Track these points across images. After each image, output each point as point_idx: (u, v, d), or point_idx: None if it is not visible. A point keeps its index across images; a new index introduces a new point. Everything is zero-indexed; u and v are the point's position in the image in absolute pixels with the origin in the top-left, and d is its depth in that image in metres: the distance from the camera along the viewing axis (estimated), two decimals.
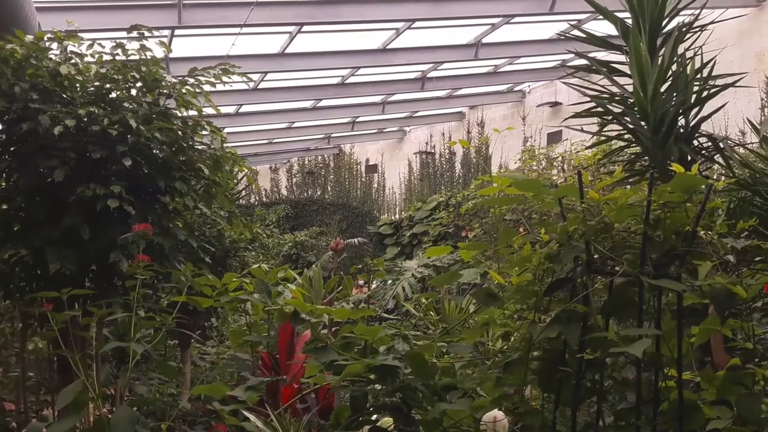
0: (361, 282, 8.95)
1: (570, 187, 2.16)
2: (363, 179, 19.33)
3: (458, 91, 15.83)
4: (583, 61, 4.29)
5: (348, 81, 13.51)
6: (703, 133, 3.95)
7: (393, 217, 17.32)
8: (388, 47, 11.44)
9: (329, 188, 19.27)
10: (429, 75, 13.90)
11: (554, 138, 14.10)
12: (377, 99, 15.64)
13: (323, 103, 15.26)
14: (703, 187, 2.11)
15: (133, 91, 3.85)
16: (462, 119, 17.76)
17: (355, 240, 13.84)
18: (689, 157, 3.82)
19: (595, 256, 2.13)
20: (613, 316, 2.20)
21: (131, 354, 2.77)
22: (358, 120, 17.53)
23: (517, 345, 2.34)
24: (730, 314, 2.14)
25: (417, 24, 10.51)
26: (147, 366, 4.78)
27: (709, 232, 2.06)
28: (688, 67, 3.87)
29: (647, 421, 2.12)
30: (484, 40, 11.86)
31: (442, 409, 2.36)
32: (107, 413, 3.55)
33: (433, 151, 17.90)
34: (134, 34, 3.80)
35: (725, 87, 3.88)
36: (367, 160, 19.83)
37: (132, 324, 2.89)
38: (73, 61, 3.73)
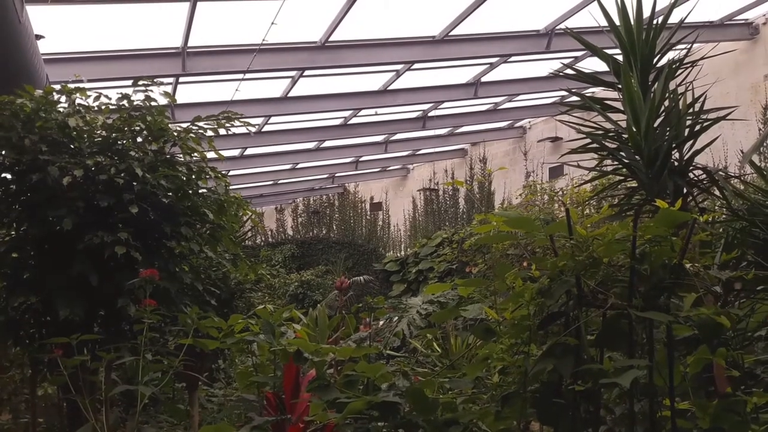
0: (368, 320, 8.95)
1: (560, 223, 2.24)
2: (368, 217, 19.44)
3: (459, 128, 16.04)
4: (579, 98, 4.38)
5: (350, 122, 13.73)
6: (698, 165, 4.01)
7: (398, 254, 17.34)
8: (389, 88, 11.67)
9: (334, 227, 19.37)
10: (430, 114, 14.11)
11: (556, 172, 14.22)
12: (380, 138, 15.85)
13: (327, 143, 15.48)
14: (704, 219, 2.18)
15: (139, 139, 3.97)
16: (464, 156, 17.95)
17: (361, 278, 13.88)
18: (685, 190, 3.88)
19: (587, 290, 2.19)
20: (606, 347, 2.25)
21: (139, 397, 2.82)
22: (361, 159, 17.74)
23: (512, 379, 2.39)
24: (721, 343, 2.19)
25: (416, 65, 10.73)
26: (155, 409, 4.80)
27: (696, 264, 2.13)
28: (681, 102, 3.94)
29: None
30: (483, 79, 12.08)
31: None
32: None
33: (436, 187, 18.04)
34: (139, 85, 3.94)
35: (717, 120, 3.95)
36: (372, 198, 19.97)
37: (140, 367, 2.95)
38: (80, 113, 3.86)
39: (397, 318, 8.40)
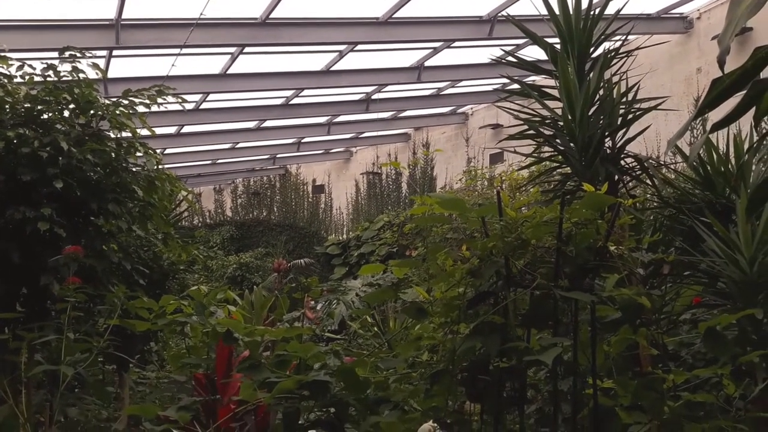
0: (312, 303, 8.86)
1: (491, 206, 2.26)
2: (310, 200, 19.32)
3: (403, 112, 16.07)
4: (519, 86, 4.42)
5: (292, 102, 13.56)
6: (630, 153, 4.11)
7: (340, 237, 17.34)
8: (332, 69, 11.56)
9: (275, 209, 19.17)
10: (373, 97, 14.07)
11: (496, 159, 14.43)
12: (322, 120, 15.72)
13: (267, 123, 15.26)
14: (641, 204, 2.24)
15: (66, 113, 3.81)
16: (408, 140, 18.01)
17: (302, 261, 13.80)
18: (616, 177, 3.98)
19: (516, 271, 2.23)
20: (532, 327, 2.30)
21: (61, 377, 2.73)
22: (303, 141, 17.57)
23: (440, 357, 2.42)
24: (643, 323, 2.27)
25: (360, 47, 10.66)
26: (84, 391, 4.67)
27: (620, 247, 2.19)
28: (615, 91, 4.03)
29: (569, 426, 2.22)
30: (426, 64, 12.10)
31: (373, 422, 2.41)
32: None
33: (379, 171, 18.05)
34: (66, 55, 3.77)
35: (649, 109, 4.06)
36: (314, 181, 19.83)
37: (63, 347, 2.85)
38: (1, 82, 3.67)
39: (335, 300, 8.39)
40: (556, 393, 2.18)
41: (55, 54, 3.92)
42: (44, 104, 3.70)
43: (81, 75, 3.79)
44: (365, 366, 2.68)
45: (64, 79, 3.80)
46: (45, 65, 3.77)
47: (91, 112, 3.78)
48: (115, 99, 3.85)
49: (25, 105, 3.69)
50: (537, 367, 2.40)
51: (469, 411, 2.84)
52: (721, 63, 1.48)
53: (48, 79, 3.77)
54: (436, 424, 2.79)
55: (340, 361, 2.58)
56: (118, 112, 3.76)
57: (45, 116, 3.73)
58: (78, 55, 3.79)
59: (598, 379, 2.29)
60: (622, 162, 4.08)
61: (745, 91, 1.59)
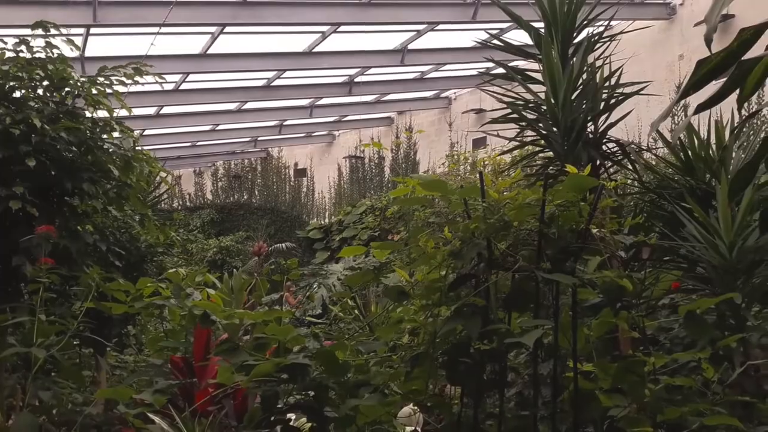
0: (293, 288, 8.82)
1: (473, 187, 2.24)
2: (292, 183, 19.20)
3: (386, 96, 15.97)
4: (503, 70, 4.39)
5: (274, 84, 13.40)
6: (612, 138, 4.11)
7: (323, 222, 17.27)
8: (314, 50, 11.44)
9: (257, 192, 19.03)
10: (356, 80, 13.96)
11: (479, 143, 14.43)
12: (305, 102, 15.59)
13: (249, 105, 15.08)
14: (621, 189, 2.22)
15: (40, 91, 3.71)
16: (391, 124, 17.93)
17: (283, 245, 13.73)
18: (598, 162, 3.98)
19: (498, 253, 2.21)
20: (514, 309, 2.28)
21: (33, 359, 2.67)
22: (285, 123, 17.42)
23: (421, 340, 2.40)
24: (624, 306, 2.26)
25: (343, 28, 10.55)
26: (60, 375, 4.60)
27: (603, 230, 2.17)
28: (598, 76, 4.02)
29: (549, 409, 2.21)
30: (410, 47, 12.02)
31: (353, 405, 2.39)
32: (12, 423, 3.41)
33: (362, 155, 17.97)
34: (39, 31, 3.66)
35: (632, 94, 4.06)
36: (296, 164, 19.70)
37: (35, 329, 2.79)
38: None
39: (316, 284, 8.36)
40: (536, 376, 2.17)
41: (30, 30, 3.81)
42: (16, 80, 3.61)
43: (55, 51, 3.69)
44: (345, 349, 2.66)
45: (38, 55, 3.70)
46: (17, 40, 3.66)
47: (66, 89, 3.68)
48: (90, 76, 3.76)
49: None
50: (518, 350, 2.39)
51: (449, 394, 2.83)
52: (708, 41, 1.46)
53: (20, 54, 3.67)
54: (416, 407, 2.78)
55: (320, 344, 2.55)
56: (94, 90, 3.66)
57: (17, 93, 3.64)
58: (51, 30, 3.68)
59: (579, 362, 2.28)
60: (604, 147, 4.08)
61: (729, 73, 1.57)
